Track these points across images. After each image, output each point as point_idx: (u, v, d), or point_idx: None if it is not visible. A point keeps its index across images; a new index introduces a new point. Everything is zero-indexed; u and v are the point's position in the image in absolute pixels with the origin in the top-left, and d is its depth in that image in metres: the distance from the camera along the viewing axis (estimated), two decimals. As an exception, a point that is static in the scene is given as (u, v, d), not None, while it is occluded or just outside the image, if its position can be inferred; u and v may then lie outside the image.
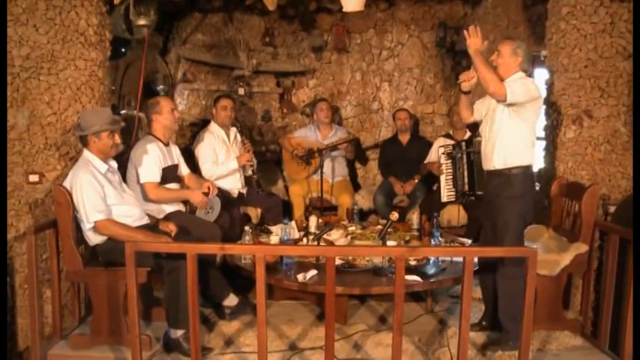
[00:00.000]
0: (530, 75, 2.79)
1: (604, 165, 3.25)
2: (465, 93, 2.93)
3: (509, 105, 2.64)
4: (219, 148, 4.09)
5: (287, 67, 5.38)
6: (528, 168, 2.75)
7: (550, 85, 3.43)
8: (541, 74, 4.48)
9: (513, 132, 2.69)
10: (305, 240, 3.54)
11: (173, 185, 3.48)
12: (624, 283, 2.67)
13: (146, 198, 3.31)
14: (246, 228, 3.53)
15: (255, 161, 4.13)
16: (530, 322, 2.31)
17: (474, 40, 2.67)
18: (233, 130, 4.23)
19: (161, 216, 3.32)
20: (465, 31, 2.72)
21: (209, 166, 4.01)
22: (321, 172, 4.50)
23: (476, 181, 3.93)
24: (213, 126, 4.17)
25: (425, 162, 4.58)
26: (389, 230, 3.29)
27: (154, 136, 3.43)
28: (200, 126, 4.61)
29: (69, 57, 3.14)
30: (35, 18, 3.07)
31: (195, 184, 3.63)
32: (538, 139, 4.44)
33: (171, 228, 3.08)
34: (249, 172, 4.18)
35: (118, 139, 2.89)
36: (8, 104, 3.07)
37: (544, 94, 3.59)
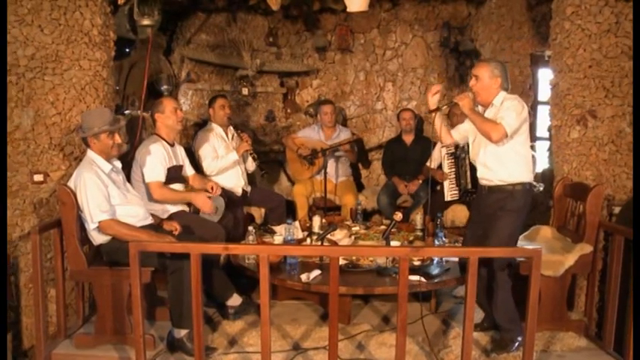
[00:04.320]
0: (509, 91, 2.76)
1: (608, 165, 3.23)
2: (432, 111, 2.86)
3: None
4: (218, 144, 4.09)
5: (291, 67, 5.38)
6: (529, 185, 2.75)
7: (554, 86, 3.42)
8: (545, 74, 4.48)
9: (510, 149, 2.69)
10: (308, 240, 3.54)
11: (177, 185, 3.48)
12: (629, 283, 2.66)
13: (151, 198, 3.31)
14: (250, 228, 3.53)
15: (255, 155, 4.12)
16: (534, 323, 2.30)
17: (464, 102, 2.69)
18: (231, 129, 4.24)
19: (165, 216, 3.33)
20: (454, 100, 2.77)
21: (209, 161, 4.01)
22: (325, 172, 4.50)
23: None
24: (211, 124, 4.18)
25: (428, 164, 4.58)
26: (392, 230, 3.29)
27: (159, 136, 3.44)
28: (203, 126, 4.61)
29: (73, 57, 3.15)
30: (40, 18, 3.08)
31: (200, 184, 3.64)
32: (541, 139, 4.48)
33: (175, 226, 3.09)
34: (250, 160, 4.17)
35: (118, 138, 2.87)
36: (13, 104, 3.08)
37: (548, 94, 3.60)
